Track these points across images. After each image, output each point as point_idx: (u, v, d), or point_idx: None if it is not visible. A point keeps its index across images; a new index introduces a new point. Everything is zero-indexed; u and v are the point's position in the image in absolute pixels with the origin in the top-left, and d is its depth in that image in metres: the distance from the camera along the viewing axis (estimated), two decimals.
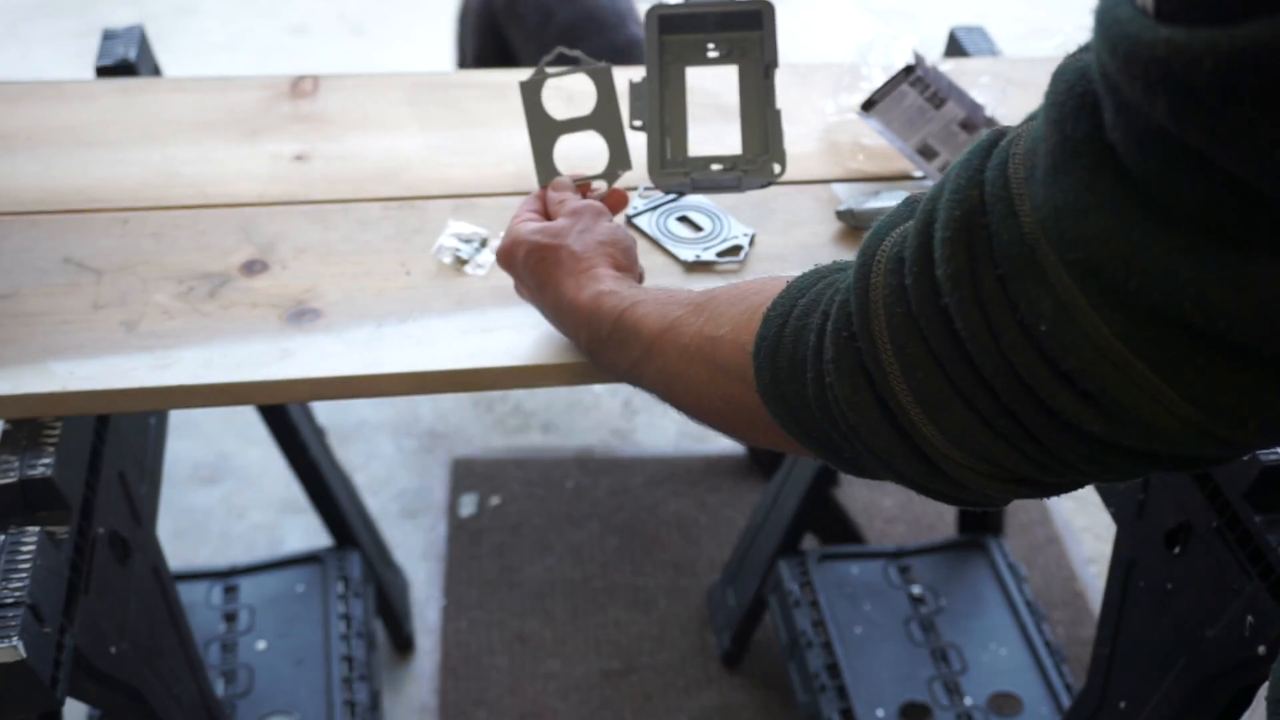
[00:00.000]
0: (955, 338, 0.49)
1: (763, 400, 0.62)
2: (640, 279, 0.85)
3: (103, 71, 1.23)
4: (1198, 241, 0.39)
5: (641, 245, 0.99)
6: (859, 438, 0.56)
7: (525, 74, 0.91)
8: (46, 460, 0.84)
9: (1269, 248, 0.38)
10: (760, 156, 0.91)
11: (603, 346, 0.78)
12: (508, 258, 0.85)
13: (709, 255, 0.99)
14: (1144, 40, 0.36)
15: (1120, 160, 0.41)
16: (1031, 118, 0.48)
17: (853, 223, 1.02)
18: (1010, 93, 1.12)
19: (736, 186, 0.92)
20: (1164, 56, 0.36)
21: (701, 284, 0.96)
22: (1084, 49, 0.44)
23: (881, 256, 0.53)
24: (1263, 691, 0.55)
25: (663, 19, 0.90)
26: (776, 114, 0.91)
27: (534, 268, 0.82)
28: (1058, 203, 0.43)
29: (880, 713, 1.49)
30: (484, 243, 0.99)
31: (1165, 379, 0.43)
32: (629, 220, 1.02)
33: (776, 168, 0.91)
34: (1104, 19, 0.39)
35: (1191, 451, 0.46)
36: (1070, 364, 0.45)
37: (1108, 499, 1.05)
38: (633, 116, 0.91)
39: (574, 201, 0.86)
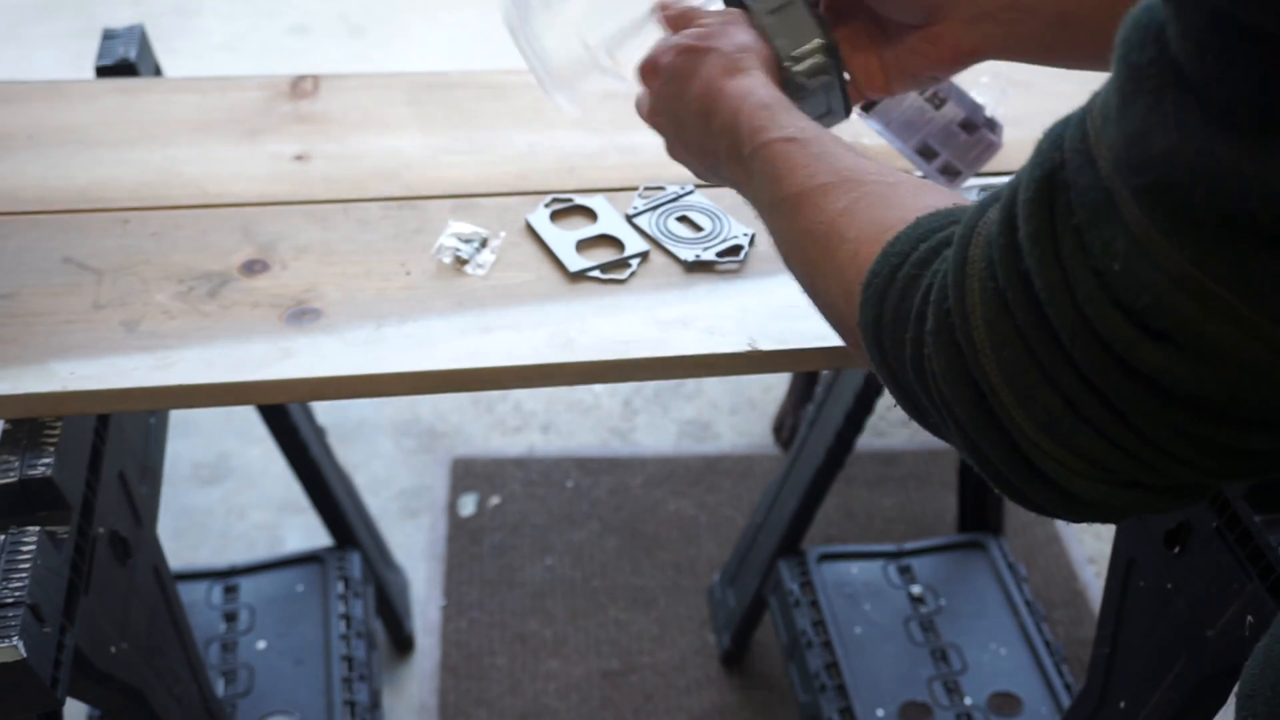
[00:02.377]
0: (1036, 302, 0.47)
1: (860, 335, 0.59)
2: None
3: (103, 71, 1.23)
4: (1260, 137, 0.38)
5: (642, 245, 0.99)
6: (952, 414, 0.54)
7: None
8: (47, 460, 0.84)
9: None
10: None
11: (738, 166, 0.72)
12: (651, 68, 0.79)
13: (709, 255, 0.98)
14: None
15: (1184, 72, 0.40)
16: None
17: None
18: (1010, 93, 1.12)
19: None
20: None
21: (703, 284, 0.97)
22: None
23: (982, 229, 0.51)
24: (1238, 689, 0.55)
25: None
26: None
27: (679, 71, 0.76)
28: (1127, 132, 0.43)
29: (880, 713, 1.49)
30: (484, 243, 0.99)
31: (1242, 297, 0.41)
32: (628, 219, 1.02)
33: None
34: None
35: None
36: (1144, 301, 0.43)
37: None
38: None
39: (705, 15, 0.80)
